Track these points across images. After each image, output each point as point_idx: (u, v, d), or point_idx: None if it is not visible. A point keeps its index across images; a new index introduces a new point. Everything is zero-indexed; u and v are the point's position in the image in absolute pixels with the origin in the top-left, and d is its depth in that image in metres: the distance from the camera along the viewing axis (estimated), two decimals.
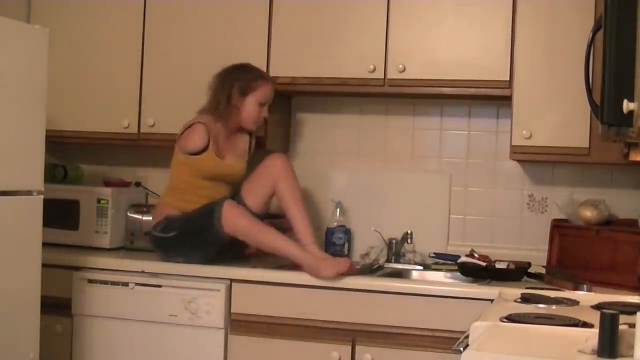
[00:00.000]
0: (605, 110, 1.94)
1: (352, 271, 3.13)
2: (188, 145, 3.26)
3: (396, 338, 3.03)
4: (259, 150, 3.54)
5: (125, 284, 3.27)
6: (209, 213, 3.16)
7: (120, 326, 3.28)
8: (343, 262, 3.11)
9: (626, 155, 2.33)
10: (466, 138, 3.63)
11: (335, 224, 3.60)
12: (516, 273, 3.18)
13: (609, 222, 3.25)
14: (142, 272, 3.28)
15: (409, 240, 3.53)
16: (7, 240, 2.75)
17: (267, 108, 3.35)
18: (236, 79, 3.30)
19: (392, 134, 3.70)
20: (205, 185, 3.30)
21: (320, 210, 3.72)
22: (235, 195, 3.37)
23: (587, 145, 3.15)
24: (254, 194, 3.34)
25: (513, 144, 3.25)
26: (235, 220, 3.14)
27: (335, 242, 3.59)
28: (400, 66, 3.33)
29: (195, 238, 3.21)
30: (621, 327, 1.72)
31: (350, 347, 3.07)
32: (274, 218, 3.49)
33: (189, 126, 3.27)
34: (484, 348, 1.80)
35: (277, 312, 3.15)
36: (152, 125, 3.59)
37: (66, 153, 4.01)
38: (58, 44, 3.38)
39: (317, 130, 3.78)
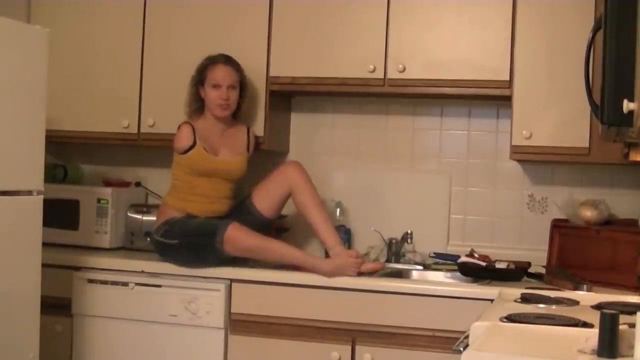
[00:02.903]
0: (605, 110, 1.94)
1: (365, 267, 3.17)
2: (177, 145, 3.33)
3: (396, 338, 3.03)
4: (268, 155, 3.55)
5: (125, 284, 3.27)
6: (210, 234, 3.15)
7: (120, 326, 3.28)
8: (351, 261, 3.13)
9: (626, 155, 2.34)
10: (466, 138, 3.63)
11: (335, 224, 3.60)
12: (516, 273, 3.18)
13: (609, 222, 3.25)
14: (142, 272, 3.28)
15: (409, 240, 3.53)
16: (7, 240, 2.75)
17: (226, 88, 3.31)
18: (194, 74, 3.37)
19: (392, 134, 3.70)
20: (201, 183, 3.31)
21: None
22: (246, 198, 3.37)
23: (587, 145, 3.15)
24: (267, 199, 3.33)
25: (513, 144, 3.25)
26: (238, 245, 3.14)
27: None
28: (400, 66, 3.33)
29: (197, 251, 3.20)
30: (621, 327, 1.72)
31: (350, 347, 3.07)
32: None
33: (178, 127, 3.34)
34: (484, 348, 1.80)
35: (277, 312, 3.15)
36: (152, 125, 3.59)
37: (66, 153, 4.01)
38: (58, 44, 3.38)
39: (317, 130, 3.78)
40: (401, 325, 3.02)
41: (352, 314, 3.08)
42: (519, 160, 3.47)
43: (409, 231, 3.53)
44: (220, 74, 3.32)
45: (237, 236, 3.13)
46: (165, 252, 3.29)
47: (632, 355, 1.67)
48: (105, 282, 3.30)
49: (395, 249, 3.54)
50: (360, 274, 3.13)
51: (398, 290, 3.04)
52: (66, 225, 3.59)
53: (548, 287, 2.93)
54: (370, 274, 3.17)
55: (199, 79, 3.36)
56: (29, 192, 2.86)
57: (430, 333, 2.99)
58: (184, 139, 3.30)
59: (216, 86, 3.31)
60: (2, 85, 2.72)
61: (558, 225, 3.34)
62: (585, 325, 2.07)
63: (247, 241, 3.14)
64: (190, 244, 3.20)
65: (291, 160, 3.45)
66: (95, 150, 4.00)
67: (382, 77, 3.36)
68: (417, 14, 3.34)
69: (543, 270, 3.19)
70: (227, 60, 3.36)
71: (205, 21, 3.55)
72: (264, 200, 3.34)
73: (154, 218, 3.42)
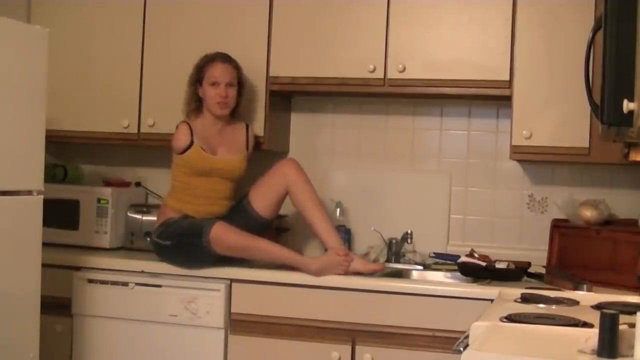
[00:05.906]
0: (605, 110, 1.94)
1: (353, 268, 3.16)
2: (175, 145, 3.33)
3: (396, 338, 3.03)
4: (268, 155, 3.55)
5: (125, 284, 3.27)
6: (197, 233, 3.14)
7: (120, 326, 3.28)
8: (339, 261, 3.12)
9: (626, 155, 2.34)
10: (466, 138, 3.63)
11: (335, 224, 3.59)
12: (516, 273, 3.18)
13: (609, 222, 3.25)
14: (142, 272, 3.28)
15: (409, 240, 3.53)
16: (7, 240, 2.75)
17: (224, 86, 3.31)
18: (192, 73, 3.37)
19: (392, 134, 3.70)
20: (200, 184, 3.31)
21: None
22: (244, 197, 3.37)
23: (587, 145, 3.15)
24: (264, 198, 3.32)
25: (513, 143, 3.25)
26: (225, 244, 3.13)
27: None
28: (400, 66, 3.33)
29: (188, 251, 3.20)
30: (621, 327, 1.72)
31: (350, 347, 3.07)
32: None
33: (177, 127, 3.35)
34: (484, 348, 1.80)
35: (277, 312, 3.15)
36: (152, 125, 3.59)
37: (66, 153, 4.01)
38: (58, 44, 3.38)
39: (317, 130, 3.78)
40: (401, 325, 3.02)
41: (352, 314, 3.08)
42: (519, 160, 3.47)
43: (409, 231, 3.53)
44: (219, 72, 3.32)
45: (221, 235, 3.12)
46: (161, 253, 3.29)
47: (632, 355, 1.67)
48: (105, 282, 3.30)
49: (395, 249, 3.55)
50: (355, 273, 3.12)
51: (398, 290, 3.04)
52: (66, 225, 3.59)
53: (548, 287, 2.93)
54: (371, 274, 3.17)
55: (197, 77, 3.36)
56: (29, 192, 2.86)
57: (430, 333, 2.99)
58: (181, 138, 3.30)
59: (214, 84, 3.31)
60: (2, 85, 2.72)
61: (558, 225, 3.34)
62: (585, 325, 2.07)
63: (232, 240, 3.13)
64: (181, 244, 3.20)
65: (288, 158, 3.44)
66: (95, 150, 4.00)
67: (382, 77, 3.36)
68: (417, 14, 3.35)
69: (543, 270, 3.19)
70: (225, 58, 3.37)
71: (205, 21, 3.55)
72: (260, 199, 3.33)
73: (154, 218, 3.43)
